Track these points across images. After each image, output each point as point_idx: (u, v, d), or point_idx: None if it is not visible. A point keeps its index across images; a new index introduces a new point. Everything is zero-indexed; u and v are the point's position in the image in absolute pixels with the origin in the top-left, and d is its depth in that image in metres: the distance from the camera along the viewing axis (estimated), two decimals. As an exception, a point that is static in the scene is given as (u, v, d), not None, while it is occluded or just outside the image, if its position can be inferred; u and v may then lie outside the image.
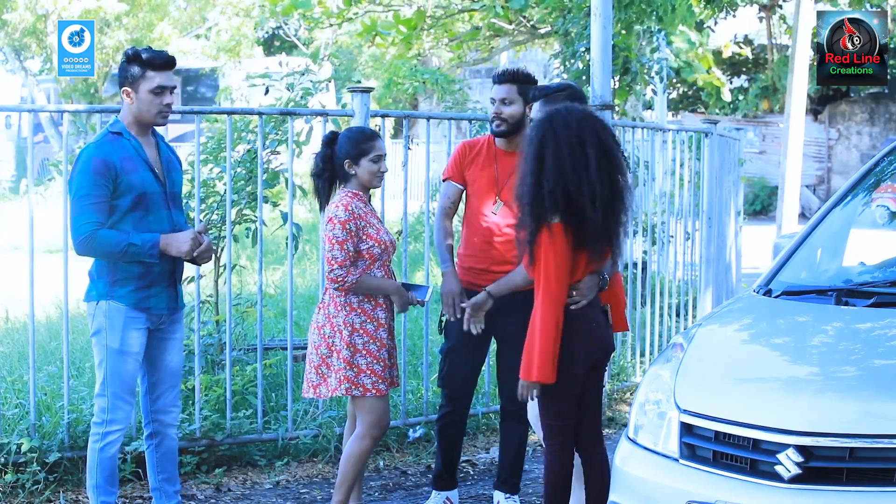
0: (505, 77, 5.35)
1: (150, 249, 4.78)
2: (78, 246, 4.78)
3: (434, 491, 5.68)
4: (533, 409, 4.87)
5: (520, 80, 5.32)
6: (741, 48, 27.09)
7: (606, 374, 7.57)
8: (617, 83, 10.46)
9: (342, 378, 5.04)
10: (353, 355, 5.02)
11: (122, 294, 4.84)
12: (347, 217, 4.99)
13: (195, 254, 4.89)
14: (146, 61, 4.81)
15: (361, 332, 5.04)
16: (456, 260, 5.53)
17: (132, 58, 4.83)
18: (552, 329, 4.37)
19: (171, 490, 5.16)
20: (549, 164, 4.37)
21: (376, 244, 5.05)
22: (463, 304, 5.13)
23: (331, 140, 5.19)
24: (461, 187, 5.50)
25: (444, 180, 5.58)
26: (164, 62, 4.85)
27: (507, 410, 5.57)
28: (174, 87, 4.91)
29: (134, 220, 4.81)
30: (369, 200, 5.22)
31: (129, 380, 4.92)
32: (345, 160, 5.09)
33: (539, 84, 5.23)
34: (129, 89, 4.83)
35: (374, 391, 5.04)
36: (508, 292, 4.99)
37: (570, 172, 4.35)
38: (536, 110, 4.95)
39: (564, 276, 4.41)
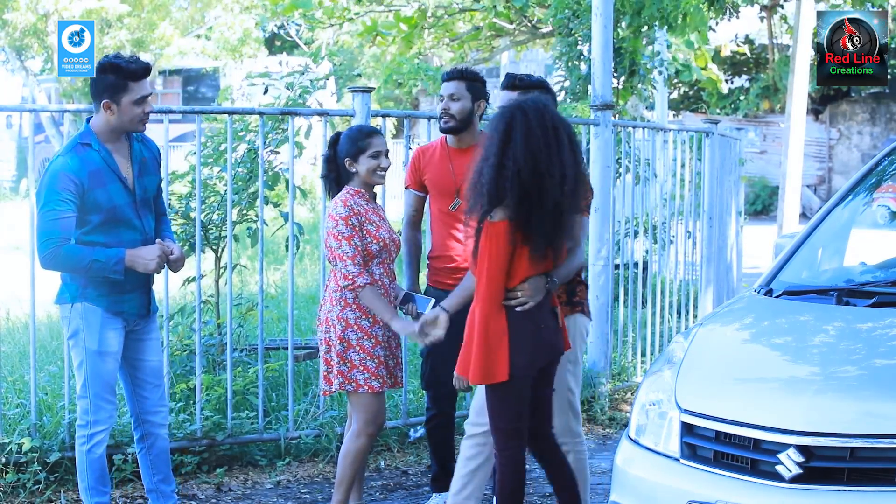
0: (453, 74, 5.37)
1: (115, 266, 4.74)
2: (42, 260, 4.76)
3: (434, 493, 5.67)
4: (482, 418, 4.77)
5: (468, 78, 5.35)
6: (739, 46, 27.06)
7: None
8: (621, 84, 10.47)
9: (336, 373, 5.06)
10: (346, 350, 5.03)
11: (95, 296, 4.83)
12: (347, 213, 5.00)
13: (165, 266, 4.88)
14: (128, 73, 4.73)
15: (355, 327, 5.04)
16: (427, 262, 5.63)
17: (110, 68, 4.75)
18: (490, 327, 4.29)
19: (168, 490, 5.15)
20: (519, 144, 4.25)
21: (374, 241, 5.04)
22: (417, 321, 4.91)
23: (334, 141, 5.22)
24: (422, 194, 5.55)
25: (405, 189, 5.61)
26: (144, 71, 4.78)
27: None
28: (151, 94, 4.88)
29: (104, 232, 4.79)
30: (373, 199, 5.23)
31: (111, 379, 4.91)
32: (345, 159, 5.11)
33: (514, 74, 5.15)
34: (110, 101, 4.75)
35: (366, 387, 5.04)
36: (466, 301, 4.66)
37: (542, 150, 4.25)
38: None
39: (501, 272, 4.30)
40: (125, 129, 4.84)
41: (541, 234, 4.32)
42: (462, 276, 5.21)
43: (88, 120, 4.88)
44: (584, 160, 4.53)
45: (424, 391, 5.70)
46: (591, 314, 7.55)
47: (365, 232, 5.03)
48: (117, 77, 4.73)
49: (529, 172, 4.26)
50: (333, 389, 5.12)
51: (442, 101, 5.35)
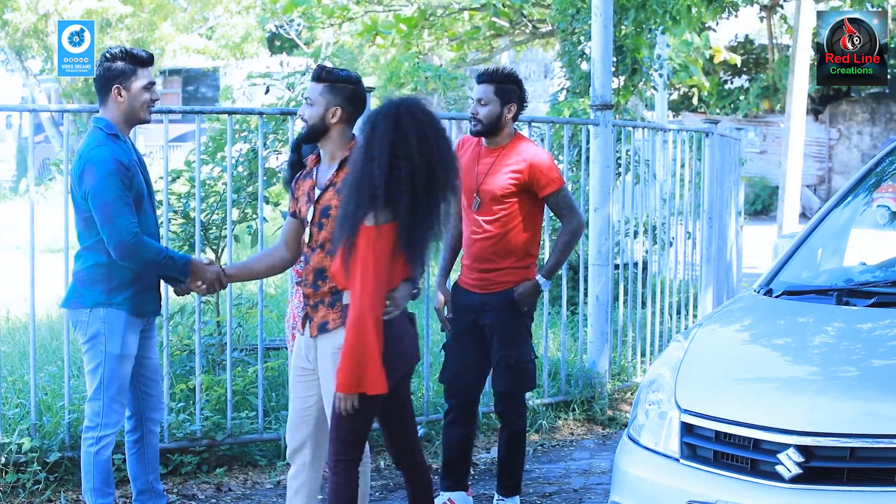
0: (482, 77, 5.39)
1: (183, 268, 4.79)
2: (121, 250, 4.68)
3: (440, 492, 5.65)
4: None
5: (497, 80, 5.34)
6: (730, 57, 27.00)
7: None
8: (622, 82, 10.45)
9: None
10: None
11: (120, 301, 4.83)
12: None
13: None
14: (138, 59, 4.84)
15: None
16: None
17: (120, 56, 4.83)
18: (379, 336, 4.12)
19: (161, 488, 5.19)
20: (413, 144, 4.11)
21: None
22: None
23: (297, 146, 5.22)
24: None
25: None
26: (149, 58, 4.92)
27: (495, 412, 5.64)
28: (155, 82, 4.98)
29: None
30: None
31: (125, 382, 4.93)
32: None
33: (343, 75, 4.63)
34: (121, 87, 4.81)
35: None
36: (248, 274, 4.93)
37: (434, 151, 4.15)
38: (318, 93, 4.43)
39: (385, 277, 4.15)
40: (135, 116, 4.88)
41: (424, 237, 4.20)
42: (477, 277, 5.26)
43: (97, 118, 4.88)
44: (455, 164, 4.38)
45: (441, 383, 5.70)
46: (591, 314, 7.60)
47: None
48: (127, 63, 4.82)
49: (424, 174, 4.14)
50: None
51: (473, 103, 5.40)
